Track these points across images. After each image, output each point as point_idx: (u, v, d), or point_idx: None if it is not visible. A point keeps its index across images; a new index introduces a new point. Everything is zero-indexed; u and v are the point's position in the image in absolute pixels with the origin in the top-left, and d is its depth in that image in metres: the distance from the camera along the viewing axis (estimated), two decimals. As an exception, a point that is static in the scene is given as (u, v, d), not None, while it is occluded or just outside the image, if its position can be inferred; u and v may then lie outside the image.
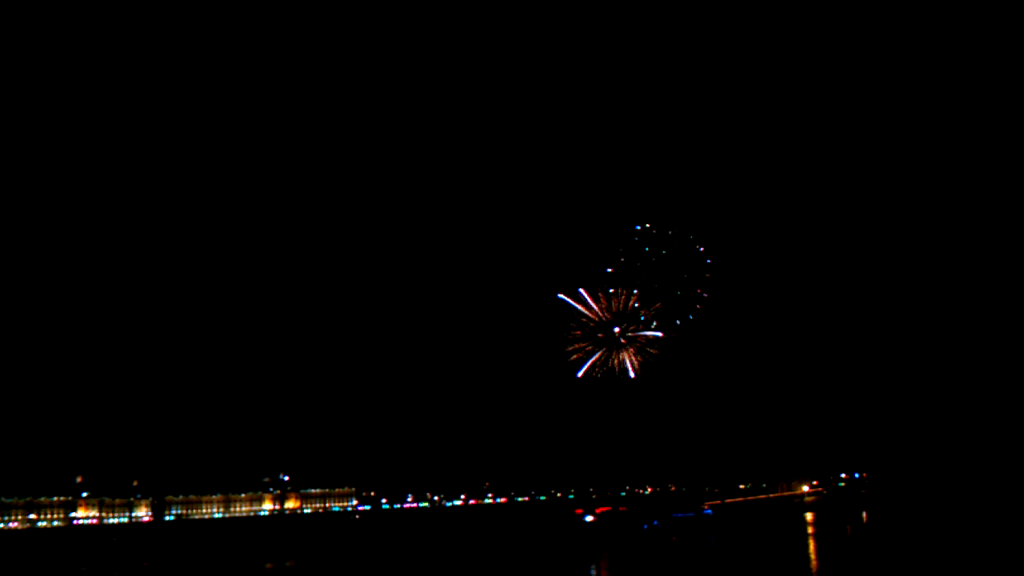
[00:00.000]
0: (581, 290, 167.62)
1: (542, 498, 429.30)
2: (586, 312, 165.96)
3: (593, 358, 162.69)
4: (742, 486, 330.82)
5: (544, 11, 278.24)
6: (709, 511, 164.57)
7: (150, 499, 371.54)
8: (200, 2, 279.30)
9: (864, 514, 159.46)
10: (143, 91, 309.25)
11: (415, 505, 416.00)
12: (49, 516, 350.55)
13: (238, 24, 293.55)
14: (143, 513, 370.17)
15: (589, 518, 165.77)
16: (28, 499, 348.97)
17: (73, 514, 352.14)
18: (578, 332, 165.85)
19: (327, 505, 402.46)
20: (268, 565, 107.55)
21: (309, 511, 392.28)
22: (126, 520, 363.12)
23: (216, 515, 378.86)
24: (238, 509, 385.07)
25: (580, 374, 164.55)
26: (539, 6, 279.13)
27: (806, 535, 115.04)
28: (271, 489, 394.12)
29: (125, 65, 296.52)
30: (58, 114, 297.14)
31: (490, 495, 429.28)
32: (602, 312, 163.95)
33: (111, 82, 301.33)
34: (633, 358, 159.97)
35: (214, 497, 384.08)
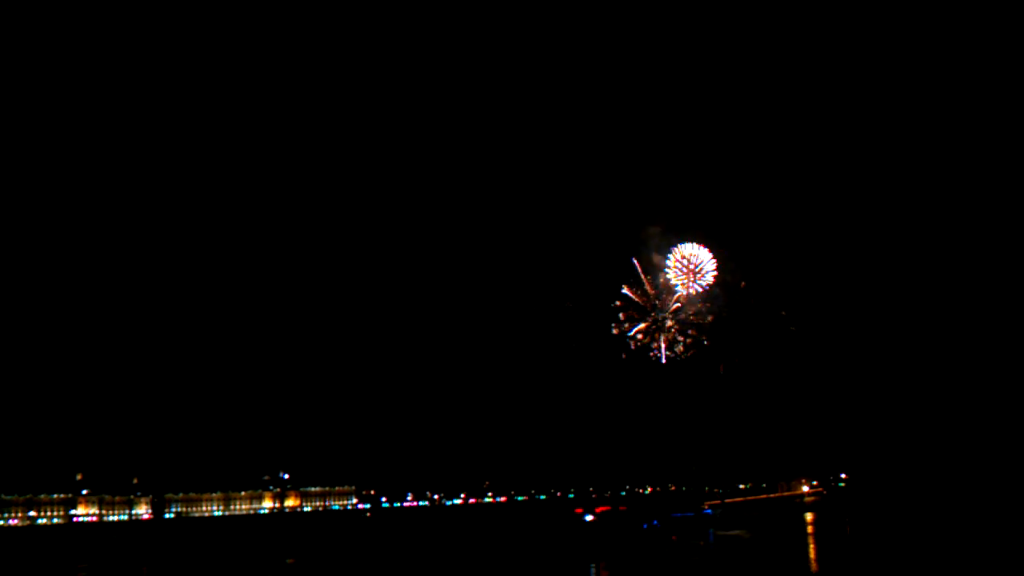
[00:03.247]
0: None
1: (542, 497, 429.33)
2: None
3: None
4: (742, 486, 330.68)
5: (548, 19, 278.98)
6: (709, 511, 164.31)
7: (150, 497, 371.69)
8: (201, 3, 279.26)
9: (863, 515, 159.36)
10: (143, 91, 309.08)
11: (415, 504, 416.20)
12: (49, 513, 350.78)
13: (238, 25, 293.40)
14: (143, 511, 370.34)
15: (589, 517, 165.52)
16: (28, 496, 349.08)
17: (73, 511, 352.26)
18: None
19: (327, 503, 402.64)
20: (290, 561, 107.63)
21: (309, 509, 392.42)
22: (126, 518, 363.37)
23: (216, 513, 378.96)
24: (238, 507, 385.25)
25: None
26: (543, 15, 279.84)
27: (806, 535, 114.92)
28: (271, 487, 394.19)
29: (125, 66, 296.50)
30: (58, 114, 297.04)
31: (490, 494, 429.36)
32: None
33: (111, 83, 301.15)
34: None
35: (214, 495, 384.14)
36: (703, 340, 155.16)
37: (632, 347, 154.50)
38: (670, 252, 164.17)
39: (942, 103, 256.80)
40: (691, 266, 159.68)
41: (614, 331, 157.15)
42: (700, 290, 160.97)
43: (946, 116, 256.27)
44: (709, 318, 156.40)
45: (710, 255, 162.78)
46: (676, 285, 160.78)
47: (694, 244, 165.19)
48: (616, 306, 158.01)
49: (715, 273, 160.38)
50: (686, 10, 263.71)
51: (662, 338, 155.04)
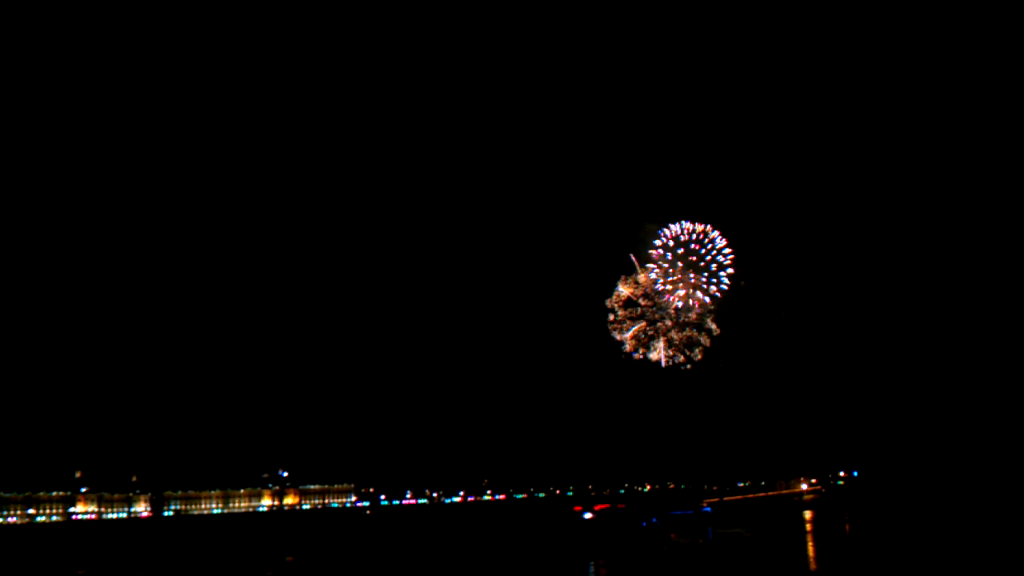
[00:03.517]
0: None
1: (541, 495, 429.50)
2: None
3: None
4: (741, 484, 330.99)
5: (549, 25, 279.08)
6: (708, 509, 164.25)
7: (149, 494, 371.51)
8: (202, 4, 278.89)
9: (862, 513, 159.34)
10: (144, 93, 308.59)
11: (414, 501, 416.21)
12: (48, 511, 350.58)
13: (239, 26, 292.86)
14: (142, 508, 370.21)
15: (588, 515, 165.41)
16: (27, 494, 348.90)
17: (72, 509, 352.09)
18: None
19: (326, 501, 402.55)
20: (289, 559, 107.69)
21: (308, 507, 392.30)
22: (125, 515, 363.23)
23: (215, 511, 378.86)
24: (237, 505, 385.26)
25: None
26: (543, 22, 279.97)
27: (805, 533, 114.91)
28: (270, 485, 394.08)
29: (126, 67, 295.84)
30: (59, 115, 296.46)
31: (489, 492, 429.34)
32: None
33: (112, 84, 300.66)
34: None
35: (213, 493, 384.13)
36: (701, 340, 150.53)
37: (629, 349, 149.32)
38: (662, 232, 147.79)
39: (941, 102, 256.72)
40: (696, 259, 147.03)
41: (612, 331, 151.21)
42: (711, 294, 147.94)
43: (946, 115, 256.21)
44: (710, 319, 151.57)
45: (723, 241, 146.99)
46: (666, 287, 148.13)
47: (697, 223, 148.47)
48: (609, 305, 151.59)
49: (731, 271, 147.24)
50: (685, 11, 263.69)
51: (661, 340, 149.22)
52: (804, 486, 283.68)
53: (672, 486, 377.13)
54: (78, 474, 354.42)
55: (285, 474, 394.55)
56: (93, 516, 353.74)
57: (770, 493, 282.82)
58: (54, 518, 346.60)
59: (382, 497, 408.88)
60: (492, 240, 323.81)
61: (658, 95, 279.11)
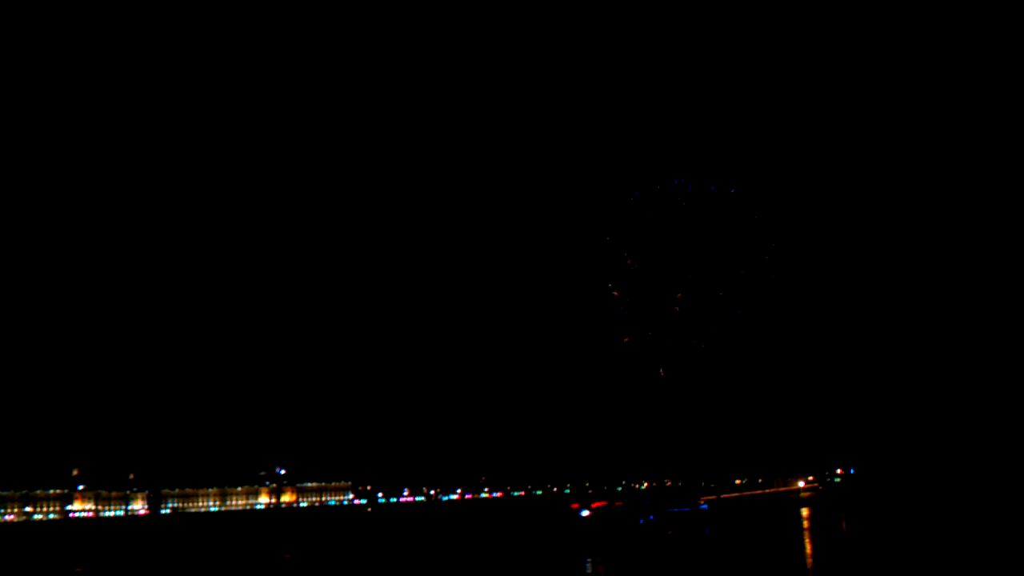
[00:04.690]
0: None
1: (538, 493, 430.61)
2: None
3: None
4: (738, 481, 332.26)
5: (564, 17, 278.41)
6: (705, 506, 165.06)
7: (146, 492, 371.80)
8: (202, 4, 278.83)
9: (860, 511, 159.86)
10: (145, 93, 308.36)
11: (411, 499, 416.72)
12: (45, 509, 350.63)
13: (240, 27, 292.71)
14: (139, 506, 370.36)
15: (585, 513, 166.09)
16: (24, 492, 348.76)
17: (69, 507, 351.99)
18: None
19: (323, 499, 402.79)
20: (287, 556, 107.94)
21: (305, 505, 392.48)
22: (122, 513, 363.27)
23: (212, 508, 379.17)
24: (234, 502, 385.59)
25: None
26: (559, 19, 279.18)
27: (802, 530, 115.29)
28: (267, 482, 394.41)
29: (127, 67, 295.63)
30: (60, 116, 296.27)
31: (486, 490, 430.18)
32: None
33: (113, 84, 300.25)
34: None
35: (210, 490, 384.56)
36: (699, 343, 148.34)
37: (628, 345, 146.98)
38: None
39: (934, 99, 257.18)
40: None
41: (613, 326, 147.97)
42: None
43: (943, 113, 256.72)
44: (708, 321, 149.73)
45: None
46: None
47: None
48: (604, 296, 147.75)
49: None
50: (674, 14, 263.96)
51: (659, 350, 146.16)
52: (801, 484, 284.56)
53: (669, 483, 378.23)
54: (75, 472, 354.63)
55: (283, 472, 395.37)
56: (90, 514, 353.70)
57: (767, 491, 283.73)
58: (51, 516, 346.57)
59: (379, 495, 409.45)
60: (489, 240, 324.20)
61: (653, 93, 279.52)
